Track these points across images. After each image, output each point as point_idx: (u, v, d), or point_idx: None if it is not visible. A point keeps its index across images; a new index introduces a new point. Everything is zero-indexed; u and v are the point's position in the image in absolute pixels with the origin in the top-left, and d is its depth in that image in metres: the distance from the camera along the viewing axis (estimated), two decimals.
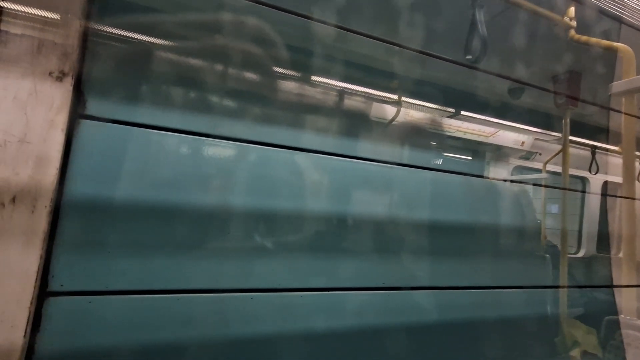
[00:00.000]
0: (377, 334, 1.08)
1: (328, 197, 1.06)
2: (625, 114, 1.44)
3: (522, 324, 1.37)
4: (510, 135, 2.67)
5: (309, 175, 1.04)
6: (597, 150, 2.85)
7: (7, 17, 0.60)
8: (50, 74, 0.62)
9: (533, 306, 1.45)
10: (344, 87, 1.60)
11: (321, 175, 1.06)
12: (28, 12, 0.61)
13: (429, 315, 1.16)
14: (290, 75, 1.20)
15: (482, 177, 1.63)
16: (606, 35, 1.61)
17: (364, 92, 1.77)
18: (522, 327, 1.37)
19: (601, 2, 1.53)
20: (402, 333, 1.11)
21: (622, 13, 1.56)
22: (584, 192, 3.27)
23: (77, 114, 0.68)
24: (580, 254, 3.16)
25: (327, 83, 1.42)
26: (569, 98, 1.91)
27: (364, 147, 1.25)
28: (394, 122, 1.87)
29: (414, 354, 1.13)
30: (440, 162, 1.87)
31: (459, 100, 2.15)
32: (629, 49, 1.51)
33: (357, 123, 1.52)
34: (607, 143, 2.75)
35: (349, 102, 1.64)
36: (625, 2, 1.53)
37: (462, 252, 1.27)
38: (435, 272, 1.18)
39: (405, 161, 1.27)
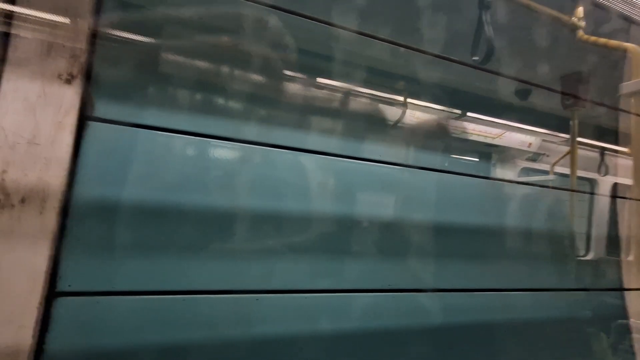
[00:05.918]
0: (382, 335, 1.07)
1: (335, 199, 1.06)
2: (635, 114, 1.42)
3: (529, 327, 1.36)
4: (518, 136, 2.64)
5: (316, 177, 1.03)
6: (606, 152, 2.80)
7: (17, 21, 0.61)
8: (59, 76, 0.62)
9: (540, 309, 1.43)
10: (351, 89, 1.59)
11: (328, 177, 1.06)
12: (38, 16, 0.62)
13: (435, 318, 1.15)
14: (298, 77, 1.20)
15: (488, 178, 1.62)
16: (615, 36, 1.59)
17: (371, 94, 1.77)
18: (528, 330, 1.36)
19: (610, 2, 1.51)
20: (408, 335, 1.10)
21: (631, 13, 1.54)
22: (592, 194, 3.23)
23: (85, 115, 0.69)
24: (589, 257, 3.12)
25: (334, 85, 1.42)
26: (577, 99, 1.88)
27: (370, 148, 1.24)
28: (399, 124, 1.86)
29: (419, 356, 1.12)
30: (446, 163, 1.86)
31: (466, 101, 2.14)
32: (639, 49, 1.48)
33: (363, 125, 1.52)
34: (617, 144, 2.71)
35: (356, 105, 1.64)
36: (634, 2, 1.51)
37: (468, 254, 1.25)
38: (442, 274, 1.18)
39: (411, 162, 1.26)
